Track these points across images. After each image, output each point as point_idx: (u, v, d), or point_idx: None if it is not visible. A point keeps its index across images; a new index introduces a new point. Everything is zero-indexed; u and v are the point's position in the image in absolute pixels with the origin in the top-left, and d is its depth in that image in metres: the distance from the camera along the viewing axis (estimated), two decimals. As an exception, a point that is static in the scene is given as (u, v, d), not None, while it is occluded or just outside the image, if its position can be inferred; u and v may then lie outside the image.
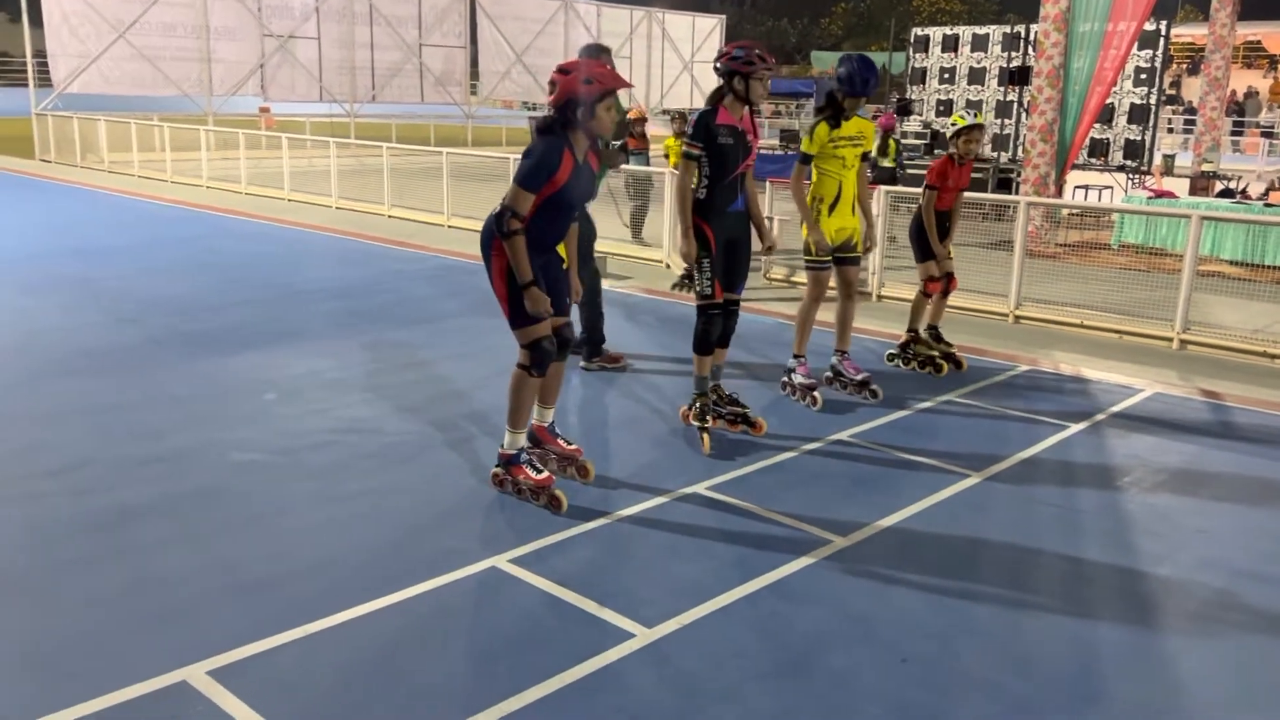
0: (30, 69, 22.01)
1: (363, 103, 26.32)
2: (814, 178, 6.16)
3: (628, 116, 13.35)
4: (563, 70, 4.48)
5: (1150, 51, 15.23)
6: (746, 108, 5.42)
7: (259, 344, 7.34)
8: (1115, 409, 6.40)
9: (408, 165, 15.56)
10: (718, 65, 5.43)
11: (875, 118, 13.35)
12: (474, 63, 28.84)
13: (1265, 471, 5.41)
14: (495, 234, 4.46)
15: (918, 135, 17.80)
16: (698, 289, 5.54)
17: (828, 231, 6.12)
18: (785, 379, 6.44)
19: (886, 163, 13.14)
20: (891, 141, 13.57)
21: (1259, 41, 42.62)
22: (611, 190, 12.04)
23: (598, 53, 6.51)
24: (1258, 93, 39.64)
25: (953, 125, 6.96)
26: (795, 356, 6.38)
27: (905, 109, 18.01)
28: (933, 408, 6.31)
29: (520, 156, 4.54)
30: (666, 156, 13.19)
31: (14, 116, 26.88)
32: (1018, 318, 8.59)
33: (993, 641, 3.64)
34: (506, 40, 28.35)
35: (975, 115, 6.96)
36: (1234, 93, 34.99)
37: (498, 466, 4.82)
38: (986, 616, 3.81)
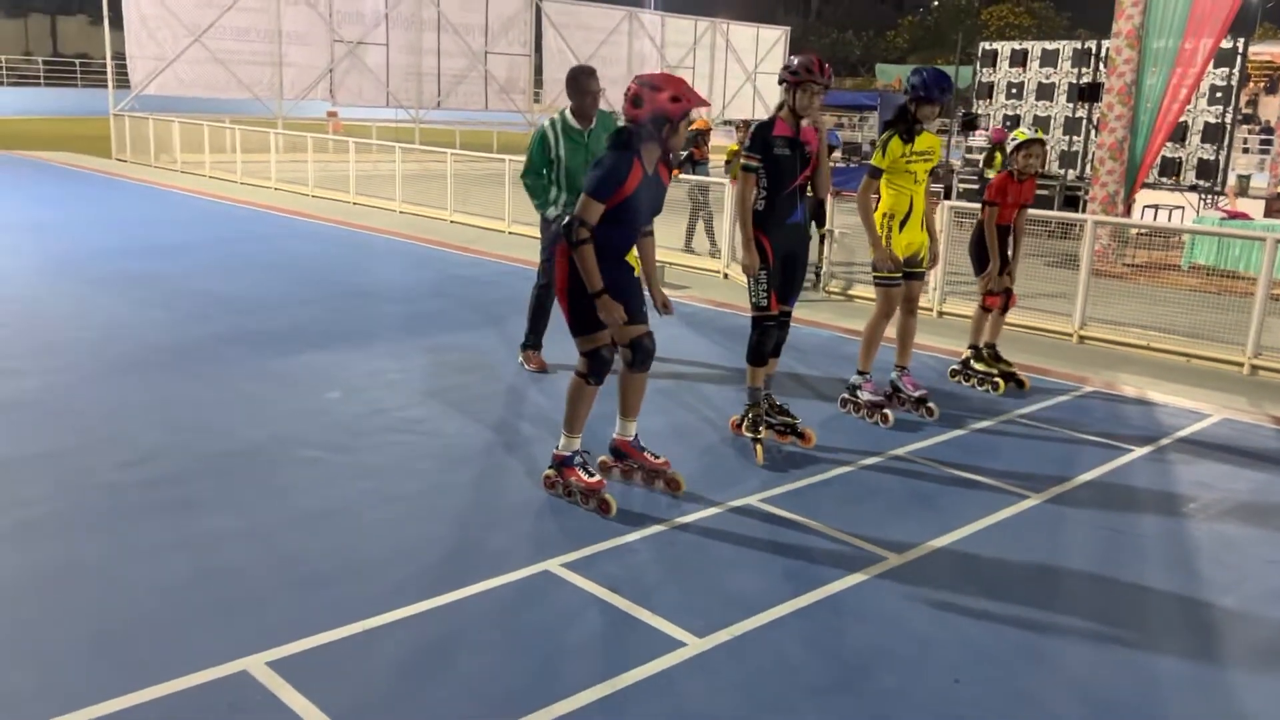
0: (110, 70, 22.72)
1: (428, 109, 26.68)
2: (883, 193, 6.10)
3: (694, 128, 13.43)
4: (655, 86, 4.48)
5: (1226, 69, 14.88)
6: (803, 119, 5.42)
7: (322, 343, 7.48)
8: (1182, 434, 6.25)
9: (470, 171, 15.74)
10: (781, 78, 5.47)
11: (941, 132, 13.28)
12: (538, 71, 29.11)
13: (1338, 503, 5.25)
14: (564, 242, 4.52)
15: (982, 150, 17.58)
16: (753, 300, 5.54)
17: (898, 247, 6.06)
18: (847, 395, 6.34)
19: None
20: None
21: (1341, 60, 41.39)
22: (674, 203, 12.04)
23: (587, 75, 6.43)
24: (1338, 113, 38.51)
25: (1013, 140, 6.88)
26: (860, 373, 6.28)
27: (971, 124, 17.82)
28: (993, 427, 6.22)
29: (590, 166, 4.60)
30: (727, 164, 13.19)
31: (93, 116, 27.77)
32: (1082, 338, 8.44)
33: (1048, 666, 3.59)
34: (571, 49, 28.55)
35: (1036, 131, 6.86)
36: (1313, 112, 34.01)
37: (550, 468, 4.86)
38: (1043, 640, 3.75)
